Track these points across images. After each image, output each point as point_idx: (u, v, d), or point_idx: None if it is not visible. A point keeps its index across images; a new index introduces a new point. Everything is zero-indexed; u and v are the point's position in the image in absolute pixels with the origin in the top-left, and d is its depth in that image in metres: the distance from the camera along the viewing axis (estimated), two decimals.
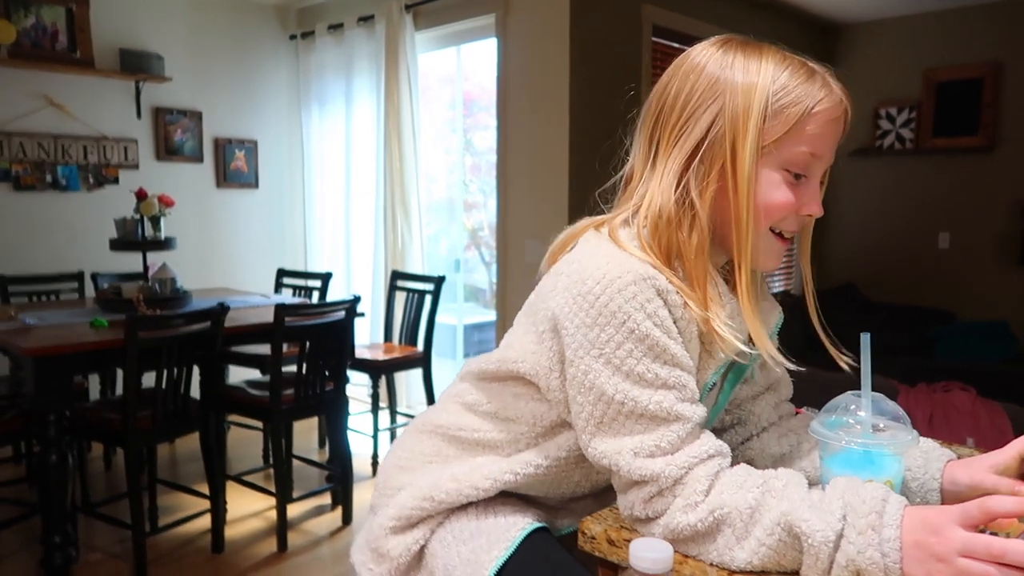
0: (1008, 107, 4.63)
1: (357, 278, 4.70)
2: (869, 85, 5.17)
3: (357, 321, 3.17)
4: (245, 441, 3.97)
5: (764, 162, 0.82)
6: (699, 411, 0.80)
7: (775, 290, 5.22)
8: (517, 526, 0.89)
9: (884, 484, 0.73)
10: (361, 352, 3.70)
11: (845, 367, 0.90)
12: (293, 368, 2.93)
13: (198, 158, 4.55)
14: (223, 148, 4.64)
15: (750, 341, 0.86)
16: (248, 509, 3.20)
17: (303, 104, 4.93)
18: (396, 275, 4.01)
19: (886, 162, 5.15)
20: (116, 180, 4.21)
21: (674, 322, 0.81)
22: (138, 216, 3.14)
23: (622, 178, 0.94)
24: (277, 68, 4.90)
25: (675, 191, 0.84)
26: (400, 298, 3.96)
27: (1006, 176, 4.64)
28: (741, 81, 0.82)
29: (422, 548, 0.93)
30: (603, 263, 0.81)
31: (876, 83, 5.13)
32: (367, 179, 4.55)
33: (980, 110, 4.72)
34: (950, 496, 0.84)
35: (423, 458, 0.99)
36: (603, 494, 0.97)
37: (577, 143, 3.53)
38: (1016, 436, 0.84)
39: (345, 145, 4.68)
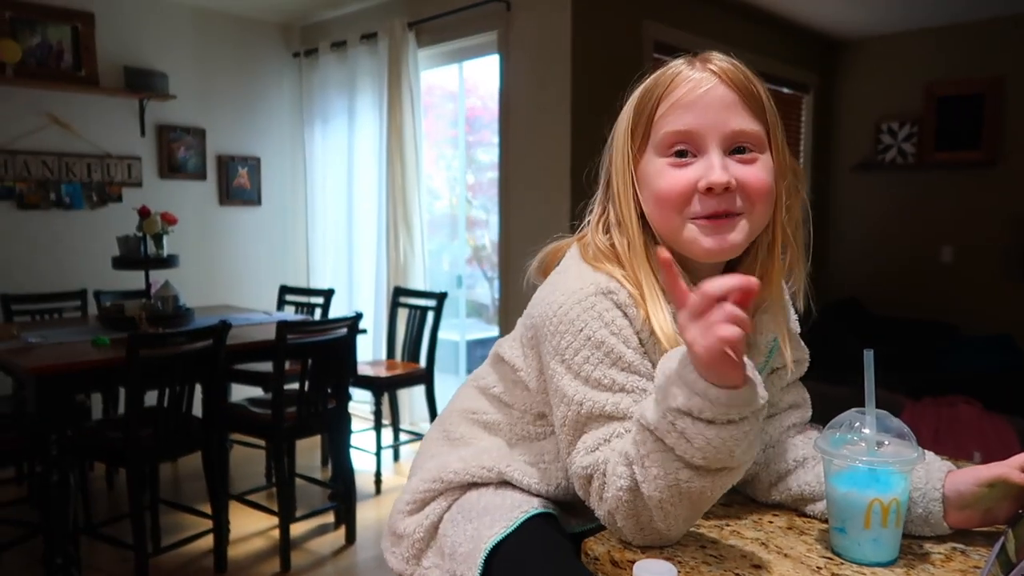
0: (1010, 122, 4.64)
1: (359, 294, 4.70)
2: (870, 100, 5.19)
3: (359, 338, 3.17)
4: (248, 460, 3.95)
5: (644, 159, 0.89)
6: None
7: None
8: (521, 508, 0.91)
9: (891, 502, 0.72)
10: (363, 369, 3.69)
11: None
12: (295, 386, 2.92)
13: (201, 175, 4.57)
14: (226, 165, 4.66)
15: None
16: (251, 528, 3.19)
17: (306, 121, 4.95)
18: (398, 291, 4.01)
19: (888, 177, 5.15)
20: (119, 198, 4.23)
21: (636, 333, 0.85)
22: (141, 234, 3.14)
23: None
24: (280, 85, 4.93)
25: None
26: (402, 314, 3.96)
27: (1008, 190, 4.64)
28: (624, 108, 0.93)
29: (436, 525, 0.97)
30: (574, 276, 0.88)
31: (877, 98, 5.15)
32: (369, 195, 4.56)
33: (982, 125, 4.73)
34: (953, 504, 0.82)
35: (437, 440, 1.06)
36: None
37: (579, 160, 3.53)
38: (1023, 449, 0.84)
39: (347, 162, 4.69)
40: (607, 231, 0.92)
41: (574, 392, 0.83)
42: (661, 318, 0.84)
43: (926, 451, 0.84)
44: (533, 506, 0.92)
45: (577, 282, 0.86)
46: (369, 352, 4.44)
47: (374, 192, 4.50)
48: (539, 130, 3.66)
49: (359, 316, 3.05)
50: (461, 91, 4.51)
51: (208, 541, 2.84)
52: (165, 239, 3.21)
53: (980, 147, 4.74)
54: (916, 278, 5.03)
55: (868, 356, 0.77)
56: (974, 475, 0.82)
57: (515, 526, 0.88)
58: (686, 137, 0.84)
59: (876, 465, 0.75)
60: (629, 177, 0.89)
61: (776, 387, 0.97)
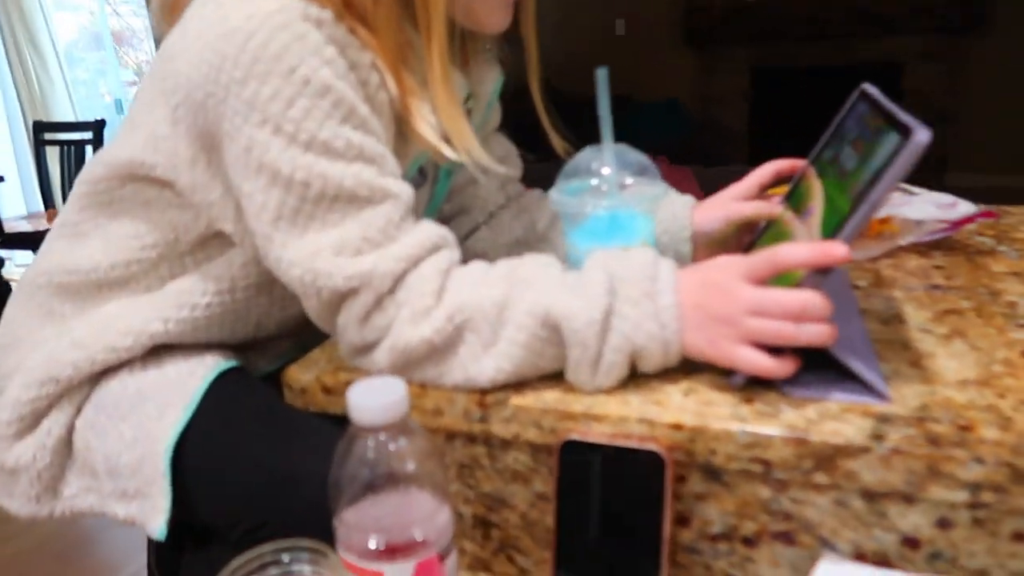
0: None
1: None
2: None
3: (2, 189, 2.57)
4: None
5: None
6: (407, 189, 0.60)
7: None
8: (196, 374, 0.67)
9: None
10: (17, 225, 3.08)
11: (560, 151, 0.79)
12: None
13: None
14: None
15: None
16: None
17: None
18: (40, 126, 3.31)
19: None
20: None
21: (361, 84, 0.60)
22: None
23: None
24: None
25: None
26: (52, 153, 3.29)
27: None
28: None
29: (66, 440, 0.68)
30: None
31: None
32: None
33: None
34: (701, 241, 0.76)
35: (30, 327, 0.71)
36: (300, 334, 0.76)
37: None
38: (706, 194, 0.78)
39: None
40: None
41: (291, 166, 0.55)
42: (426, 111, 0.63)
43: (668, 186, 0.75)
44: (209, 366, 0.68)
45: (267, 3, 0.55)
46: (21, 205, 3.72)
47: None
48: None
49: None
50: None
51: None
52: None
53: None
54: (595, 52, 5.20)
55: (602, 74, 0.63)
56: (723, 213, 0.75)
57: (199, 399, 0.65)
58: None
59: (619, 209, 0.64)
60: None
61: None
